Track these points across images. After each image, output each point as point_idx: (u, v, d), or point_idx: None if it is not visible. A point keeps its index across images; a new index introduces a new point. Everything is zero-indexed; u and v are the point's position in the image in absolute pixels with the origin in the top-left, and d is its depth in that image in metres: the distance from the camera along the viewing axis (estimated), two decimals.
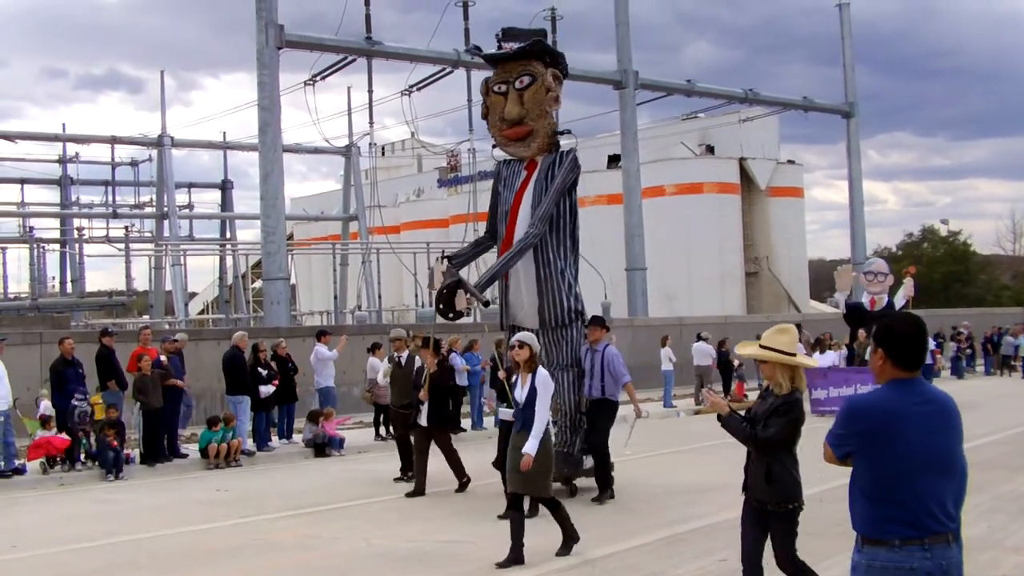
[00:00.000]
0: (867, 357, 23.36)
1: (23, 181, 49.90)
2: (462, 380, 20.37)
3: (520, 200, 13.68)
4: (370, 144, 39.10)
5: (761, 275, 54.66)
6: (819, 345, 26.30)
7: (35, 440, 15.92)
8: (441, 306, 12.52)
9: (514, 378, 9.99)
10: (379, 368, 19.37)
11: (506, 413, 11.89)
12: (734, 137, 52.85)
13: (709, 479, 14.38)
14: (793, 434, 6.99)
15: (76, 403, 16.05)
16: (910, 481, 4.28)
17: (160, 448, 16.92)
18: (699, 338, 26.51)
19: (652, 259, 37.73)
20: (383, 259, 38.92)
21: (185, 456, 17.32)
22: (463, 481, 13.91)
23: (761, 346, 6.88)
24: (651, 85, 38.36)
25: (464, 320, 14.25)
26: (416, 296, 37.72)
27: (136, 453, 16.73)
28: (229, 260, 46.20)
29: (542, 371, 9.74)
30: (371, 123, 35.24)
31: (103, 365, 17.20)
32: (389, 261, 39.57)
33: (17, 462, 15.64)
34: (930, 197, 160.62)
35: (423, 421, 13.79)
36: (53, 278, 52.65)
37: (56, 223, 51.76)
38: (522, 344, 9.74)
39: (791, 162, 58.21)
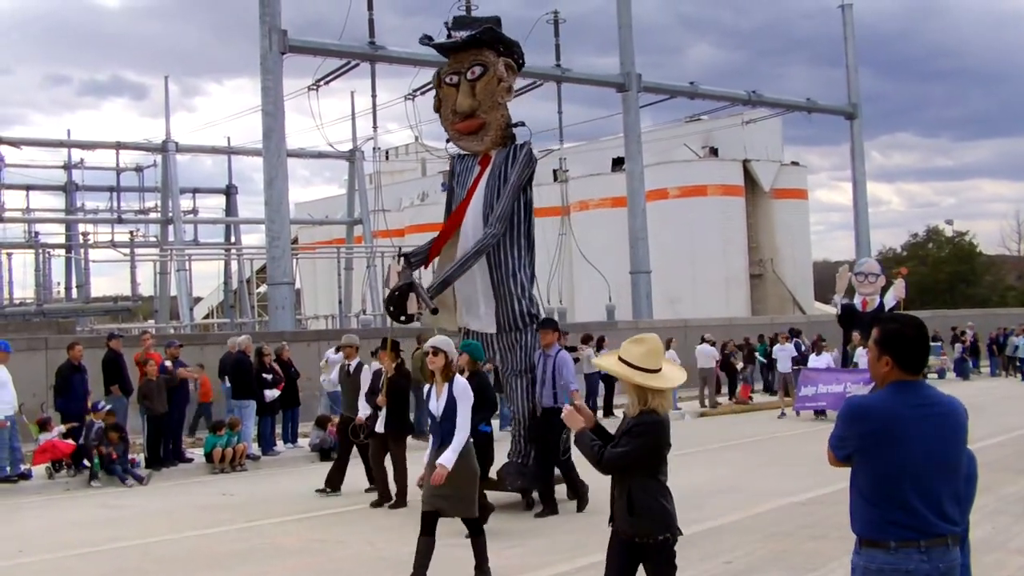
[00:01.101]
0: (857, 360, 23.28)
1: (28, 187, 50.00)
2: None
3: (471, 196, 13.05)
4: (374, 148, 39.24)
5: (766, 277, 54.61)
6: (814, 347, 26.12)
7: (40, 444, 15.96)
8: (391, 308, 11.97)
9: (428, 388, 9.09)
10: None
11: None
12: (737, 139, 52.84)
13: (714, 482, 14.39)
14: (649, 459, 6.07)
15: (95, 420, 15.96)
16: (908, 483, 4.29)
17: (165, 453, 16.96)
18: (703, 340, 26.47)
19: (656, 262, 37.73)
20: (387, 263, 38.90)
21: (190, 461, 17.35)
22: (397, 500, 13.22)
23: (619, 358, 6.15)
24: (654, 88, 38.35)
25: (414, 324, 13.51)
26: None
27: (141, 458, 16.76)
28: (234, 265, 46.26)
29: (460, 379, 8.96)
30: (375, 127, 35.48)
31: (110, 370, 17.25)
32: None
33: (23, 467, 15.68)
34: (934, 198, 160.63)
35: (380, 428, 13.33)
36: (58, 283, 52.80)
37: (61, 228, 51.83)
38: (436, 350, 8.86)
39: (795, 164, 58.17)
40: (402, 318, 11.91)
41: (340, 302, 40.49)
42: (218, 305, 55.52)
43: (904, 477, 4.29)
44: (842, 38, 45.86)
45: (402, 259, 12.72)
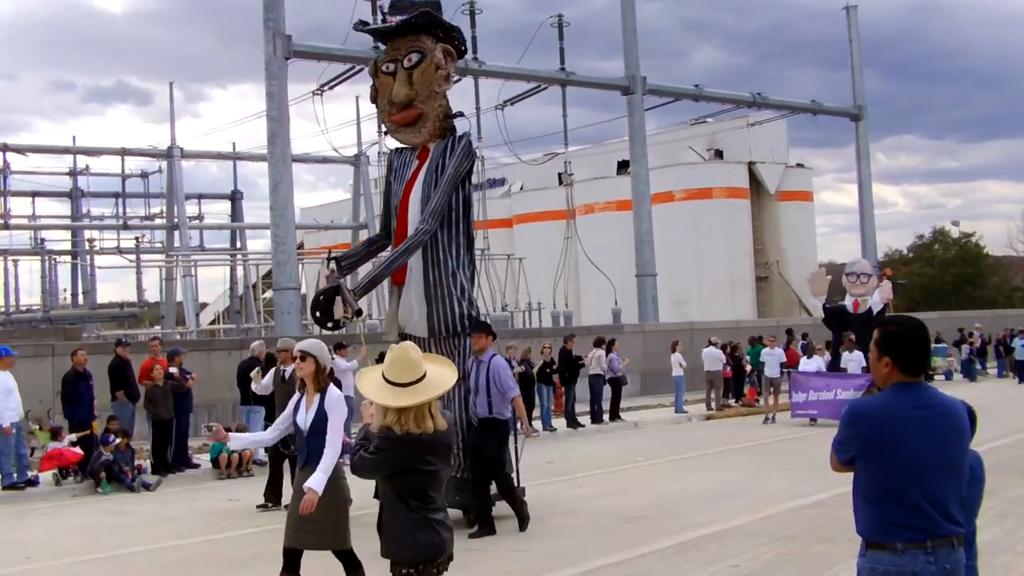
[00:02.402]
0: (845, 365, 23.07)
1: (34, 194, 50.07)
2: None
3: (410, 192, 12.29)
4: (379, 153, 39.09)
5: (772, 279, 54.59)
6: (807, 350, 25.76)
7: (47, 451, 15.98)
8: (318, 314, 11.23)
9: (297, 398, 7.93)
10: None
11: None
12: (743, 141, 52.84)
13: (720, 485, 14.38)
14: (387, 477, 5.63)
15: (103, 452, 15.88)
16: (912, 484, 4.28)
17: (172, 458, 16.97)
18: (710, 343, 26.42)
19: (662, 265, 37.72)
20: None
21: (197, 467, 17.35)
22: None
23: (382, 374, 5.63)
24: (659, 91, 38.35)
25: (341, 330, 12.55)
26: None
27: (147, 464, 16.78)
28: (239, 270, 46.31)
29: (334, 390, 7.82)
30: (380, 132, 35.21)
31: (116, 376, 17.27)
32: None
33: (30, 473, 15.70)
34: (940, 199, 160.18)
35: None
36: (65, 290, 52.89)
37: (67, 235, 51.95)
38: (304, 355, 7.72)
39: (800, 166, 58.14)
40: (329, 324, 11.22)
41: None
42: (224, 311, 55.57)
43: (908, 478, 4.29)
44: (846, 40, 45.80)
45: (331, 262, 12.19)
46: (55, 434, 16.33)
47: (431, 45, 12.30)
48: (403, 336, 12.20)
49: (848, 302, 24.75)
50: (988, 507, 6.80)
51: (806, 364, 24.19)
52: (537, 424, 21.90)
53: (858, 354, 22.64)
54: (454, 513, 11.85)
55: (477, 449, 11.77)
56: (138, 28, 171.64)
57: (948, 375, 34.76)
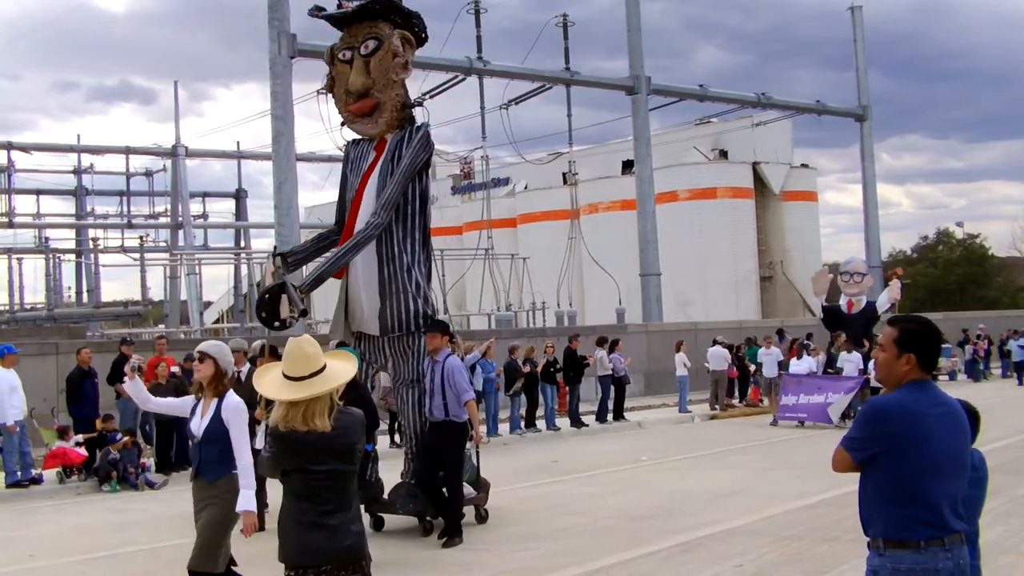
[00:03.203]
0: (841, 365, 22.79)
1: (39, 192, 50.21)
2: (476, 386, 20.38)
3: (365, 185, 11.76)
4: None
5: (776, 280, 54.52)
6: (801, 350, 25.01)
7: (51, 450, 16.00)
8: (263, 314, 10.70)
9: (193, 403, 7.34)
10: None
11: None
12: (747, 142, 52.77)
13: (724, 485, 14.37)
14: (280, 475, 5.35)
15: (111, 451, 15.90)
16: (932, 481, 4.32)
17: (174, 457, 16.98)
18: (715, 343, 26.35)
19: (666, 265, 37.69)
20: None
21: None
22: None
23: (285, 375, 5.28)
24: (664, 90, 38.34)
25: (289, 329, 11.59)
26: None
27: (151, 462, 16.78)
28: (244, 269, 46.36)
29: (232, 397, 7.16)
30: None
31: (118, 372, 17.28)
32: None
33: (34, 472, 15.71)
34: (944, 200, 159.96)
35: (259, 444, 11.82)
36: (69, 288, 53.06)
37: (71, 234, 52.06)
38: (203, 356, 7.16)
39: (804, 166, 58.06)
40: (275, 323, 10.65)
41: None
42: (228, 309, 55.60)
43: (929, 475, 4.31)
44: (851, 40, 45.79)
45: (277, 258, 11.70)
46: (62, 433, 16.34)
47: (389, 32, 11.82)
48: (356, 335, 11.86)
49: (843, 302, 24.61)
50: (991, 507, 6.80)
51: (797, 366, 23.66)
52: (541, 423, 21.93)
53: (856, 355, 22.45)
54: (408, 520, 11.68)
55: (433, 453, 11.26)
56: (142, 28, 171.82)
57: (952, 375, 34.71)
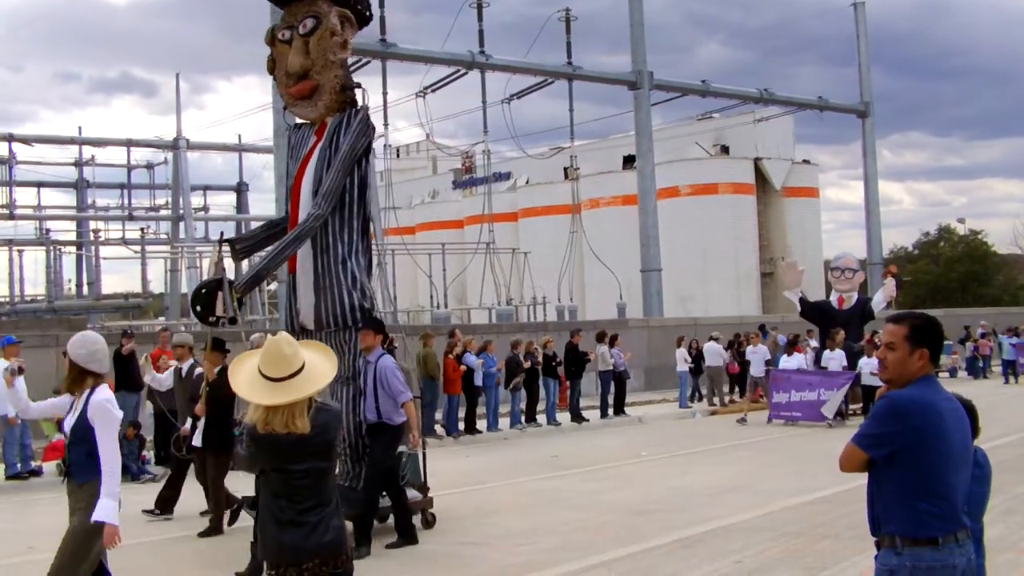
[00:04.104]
0: (826, 363, 22.47)
1: (39, 184, 50.22)
2: (477, 381, 20.39)
3: (303, 173, 11.25)
4: (384, 146, 39.09)
5: (777, 276, 54.54)
6: (790, 346, 24.58)
7: (51, 442, 15.99)
8: (198, 308, 10.11)
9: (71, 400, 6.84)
10: None
11: None
12: (749, 137, 52.78)
13: (724, 480, 14.37)
14: (249, 468, 5.26)
15: None
16: (949, 475, 4.32)
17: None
18: (711, 339, 26.30)
19: (667, 260, 37.71)
20: (398, 260, 38.97)
21: None
22: (212, 526, 11.37)
23: (263, 375, 5.09)
24: (666, 86, 38.34)
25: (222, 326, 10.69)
26: (431, 297, 37.76)
27: (151, 455, 16.78)
28: (244, 262, 46.26)
29: (100, 393, 6.60)
30: (385, 125, 35.17)
31: (120, 366, 17.27)
32: (404, 263, 39.64)
33: (34, 464, 15.71)
34: (945, 197, 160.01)
35: (197, 441, 11.56)
36: (69, 280, 53.05)
37: (72, 226, 52.04)
38: (66, 352, 6.71)
39: (806, 162, 58.09)
40: (211, 319, 10.01)
41: None
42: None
43: (948, 470, 4.32)
44: (854, 36, 45.80)
45: (224, 244, 11.16)
46: (60, 426, 16.32)
47: (327, 9, 11.26)
48: (301, 330, 11.29)
49: (833, 298, 24.34)
50: (993, 504, 6.78)
51: (786, 362, 23.21)
52: (542, 418, 21.92)
53: (839, 352, 22.23)
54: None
55: (368, 456, 10.83)
56: (143, 20, 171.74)
57: (952, 372, 34.69)
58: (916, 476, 4.31)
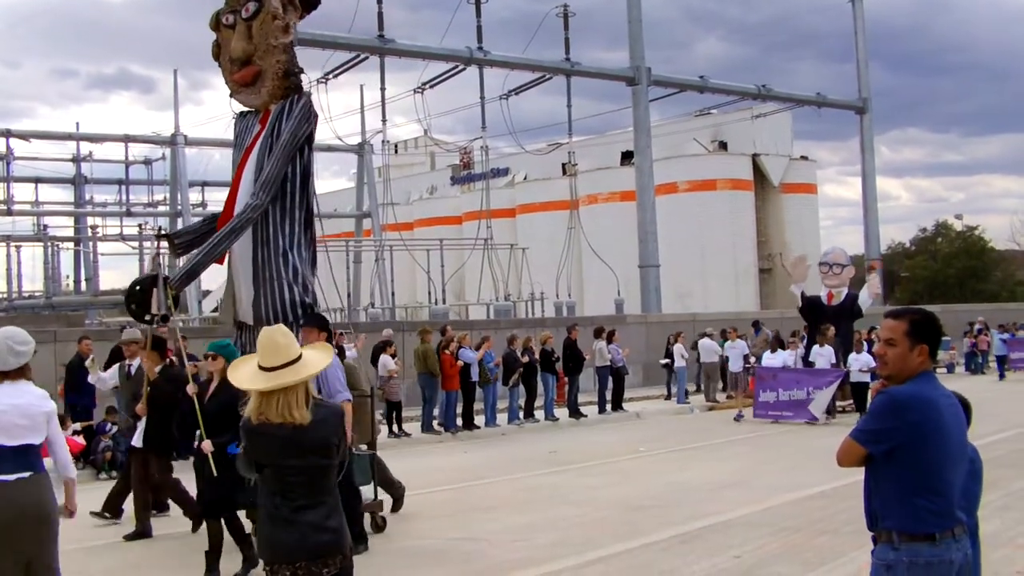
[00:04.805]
0: (814, 359, 21.91)
1: (37, 180, 50.07)
2: (475, 376, 20.39)
3: (246, 161, 10.88)
4: (383, 142, 39.09)
5: (775, 272, 54.53)
6: (777, 343, 24.12)
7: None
8: (133, 306, 9.86)
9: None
10: (389, 365, 19.39)
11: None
12: (747, 133, 52.74)
13: (722, 476, 14.39)
14: (247, 467, 5.19)
15: (103, 441, 15.92)
16: (947, 471, 4.34)
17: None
18: (704, 335, 26.24)
19: (665, 256, 37.70)
20: (396, 256, 38.95)
21: None
22: (193, 521, 10.98)
23: (260, 366, 5.08)
24: (664, 81, 38.32)
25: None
26: (429, 294, 37.75)
27: None
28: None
29: None
30: (384, 121, 35.23)
31: (115, 360, 17.28)
32: (402, 258, 39.61)
33: None
34: (943, 193, 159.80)
35: (137, 442, 11.13)
36: (67, 276, 53.00)
37: (70, 222, 51.96)
38: None
39: (804, 158, 58.06)
40: (147, 317, 9.80)
41: (349, 295, 40.48)
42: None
43: (946, 465, 4.33)
44: (852, 32, 45.77)
45: (163, 239, 10.93)
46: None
47: None
48: (238, 324, 11.15)
49: (823, 293, 24.22)
50: (988, 500, 6.80)
51: (770, 359, 22.73)
52: (540, 414, 21.93)
53: (828, 349, 22.00)
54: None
55: None
56: (140, 16, 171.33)
57: (950, 368, 34.72)
58: (914, 472, 4.32)
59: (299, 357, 5.08)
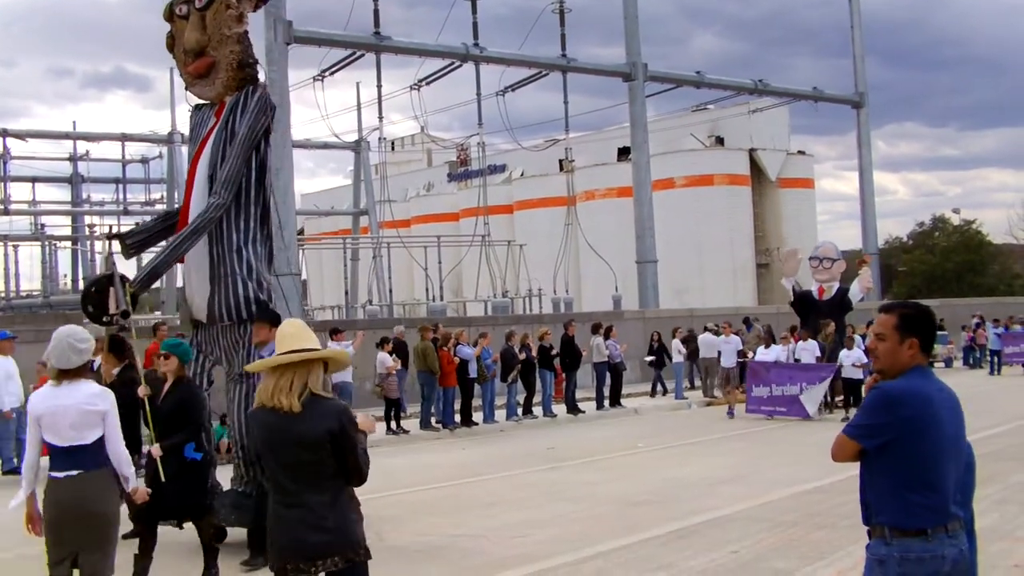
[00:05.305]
0: (799, 356, 21.75)
1: (34, 179, 50.13)
2: (472, 373, 20.39)
3: (200, 156, 10.56)
4: (380, 139, 39.10)
5: (772, 267, 54.51)
6: (770, 338, 24.19)
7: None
8: (90, 308, 9.59)
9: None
10: (387, 363, 19.41)
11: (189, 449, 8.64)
12: (744, 128, 52.78)
13: (720, 471, 14.39)
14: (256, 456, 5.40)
15: None
16: (941, 467, 4.32)
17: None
18: (706, 329, 26.22)
19: (663, 252, 37.70)
20: (394, 253, 38.98)
21: None
22: (135, 529, 9.76)
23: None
24: (660, 77, 38.30)
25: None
26: (427, 290, 37.77)
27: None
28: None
29: None
30: (380, 118, 35.18)
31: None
32: (400, 255, 39.62)
33: None
34: (940, 187, 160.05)
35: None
36: (65, 275, 53.03)
37: (67, 221, 51.98)
38: None
39: (801, 153, 58.07)
40: (104, 319, 9.52)
41: (346, 293, 40.51)
42: None
43: (940, 460, 4.32)
44: (848, 27, 45.72)
45: (115, 242, 10.62)
46: None
47: None
48: (194, 323, 10.77)
49: (814, 288, 24.18)
50: (986, 494, 6.83)
51: (763, 354, 22.70)
52: (538, 410, 21.92)
53: (812, 343, 21.92)
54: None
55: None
56: (136, 14, 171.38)
57: (948, 363, 34.73)
58: (908, 467, 4.31)
59: (308, 348, 5.10)
